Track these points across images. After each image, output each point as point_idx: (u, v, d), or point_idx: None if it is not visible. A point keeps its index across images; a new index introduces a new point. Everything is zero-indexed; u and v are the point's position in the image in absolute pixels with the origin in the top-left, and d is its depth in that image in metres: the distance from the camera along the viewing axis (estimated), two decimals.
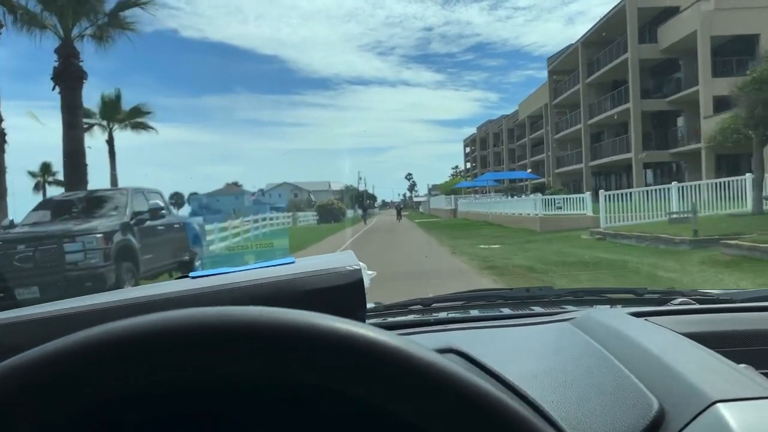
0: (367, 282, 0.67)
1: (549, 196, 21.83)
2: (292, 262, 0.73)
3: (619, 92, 32.19)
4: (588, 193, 20.02)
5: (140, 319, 0.40)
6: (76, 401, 0.39)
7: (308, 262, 0.72)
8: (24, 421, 0.38)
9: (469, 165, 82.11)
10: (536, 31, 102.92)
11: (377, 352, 0.40)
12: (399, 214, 42.23)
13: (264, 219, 29.34)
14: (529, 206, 22.06)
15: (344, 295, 0.65)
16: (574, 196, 20.96)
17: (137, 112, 23.16)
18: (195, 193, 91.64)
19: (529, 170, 47.32)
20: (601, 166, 35.74)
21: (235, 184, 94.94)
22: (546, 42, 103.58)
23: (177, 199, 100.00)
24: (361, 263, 0.69)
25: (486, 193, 44.07)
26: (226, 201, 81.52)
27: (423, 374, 0.39)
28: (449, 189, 61.10)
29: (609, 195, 17.26)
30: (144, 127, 23.37)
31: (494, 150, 68.43)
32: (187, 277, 0.72)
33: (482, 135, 72.69)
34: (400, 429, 0.40)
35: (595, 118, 35.43)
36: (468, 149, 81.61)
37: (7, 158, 13.21)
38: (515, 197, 29.62)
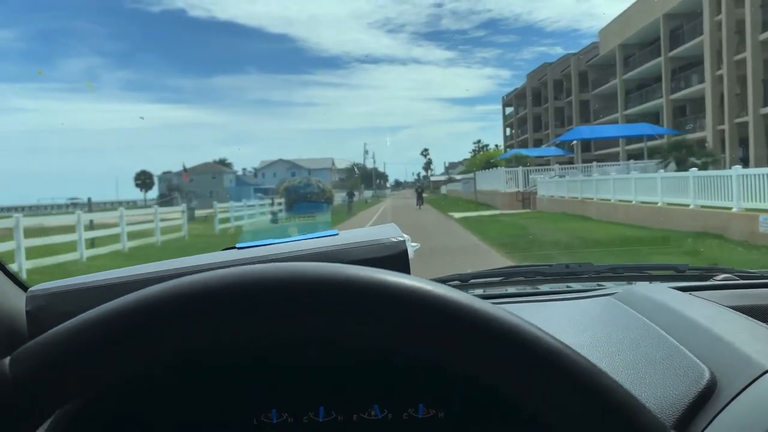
0: (411, 254, 0.69)
1: None
2: (336, 234, 0.74)
3: None
4: None
5: (225, 272, 0.41)
6: (161, 351, 0.39)
7: (352, 234, 0.73)
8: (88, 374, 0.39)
9: (509, 131, 59.24)
10: (549, 7, 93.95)
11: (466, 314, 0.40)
12: (420, 199, 30.49)
13: None
14: None
15: (388, 266, 0.63)
16: None
17: None
18: (168, 172, 73.71)
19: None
20: None
21: (222, 162, 76.90)
22: (559, 17, 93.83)
23: (144, 179, 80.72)
24: (405, 235, 0.70)
25: (561, 166, 22.25)
26: (201, 181, 65.04)
27: (520, 341, 0.39)
28: (484, 163, 39.01)
29: None
30: None
31: (554, 105, 45.81)
32: (234, 248, 0.73)
33: (535, 85, 49.77)
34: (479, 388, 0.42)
35: None
36: (509, 109, 58.55)
37: None
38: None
